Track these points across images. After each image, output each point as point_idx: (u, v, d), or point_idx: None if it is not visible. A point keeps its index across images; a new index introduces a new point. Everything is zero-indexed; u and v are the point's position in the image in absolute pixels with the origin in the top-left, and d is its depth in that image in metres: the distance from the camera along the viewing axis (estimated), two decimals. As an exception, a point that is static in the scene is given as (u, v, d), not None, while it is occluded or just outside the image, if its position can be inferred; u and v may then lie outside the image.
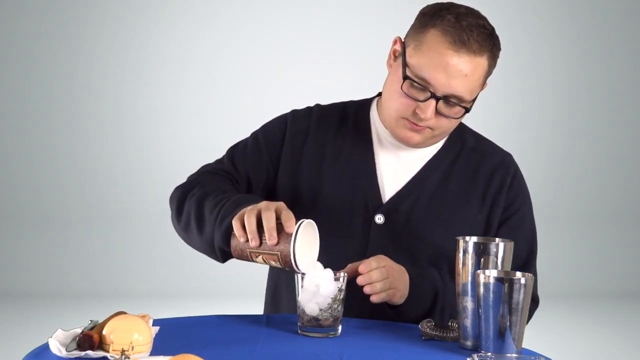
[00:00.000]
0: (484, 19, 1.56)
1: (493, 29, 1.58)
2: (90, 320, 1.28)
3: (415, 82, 1.51)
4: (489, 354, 1.25)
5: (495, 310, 1.25)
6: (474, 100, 1.55)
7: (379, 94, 1.72)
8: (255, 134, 1.74)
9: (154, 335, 1.27)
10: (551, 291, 5.10)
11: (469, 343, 1.34)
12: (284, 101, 5.71)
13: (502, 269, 1.33)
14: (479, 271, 1.29)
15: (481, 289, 1.26)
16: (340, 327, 1.39)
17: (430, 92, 1.50)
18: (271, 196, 1.67)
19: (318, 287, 1.36)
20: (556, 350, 3.25)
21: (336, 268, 1.42)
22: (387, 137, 1.65)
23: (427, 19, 1.54)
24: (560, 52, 5.91)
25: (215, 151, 6.82)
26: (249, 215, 1.37)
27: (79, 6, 5.63)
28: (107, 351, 1.19)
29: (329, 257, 1.44)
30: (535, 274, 1.61)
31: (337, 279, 1.38)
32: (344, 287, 1.38)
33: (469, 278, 1.33)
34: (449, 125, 1.57)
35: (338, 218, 1.60)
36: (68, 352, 1.18)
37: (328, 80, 5.62)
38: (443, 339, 1.38)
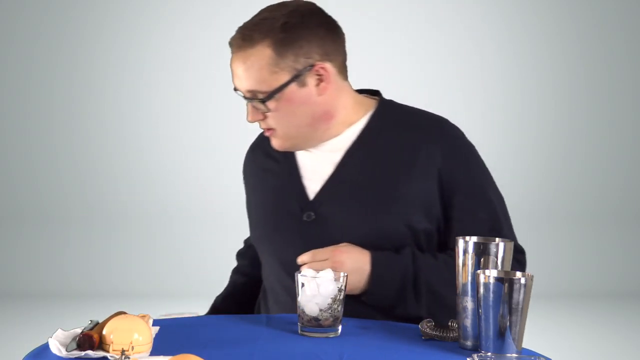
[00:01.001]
0: (270, 10, 1.61)
1: (275, 17, 1.60)
2: (90, 320, 1.28)
3: (237, 92, 1.63)
4: (489, 354, 1.25)
5: (495, 310, 1.25)
6: (282, 87, 1.56)
7: None
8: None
9: (154, 335, 1.27)
10: (551, 291, 5.11)
11: (469, 343, 1.34)
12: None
13: (502, 269, 1.33)
14: (479, 271, 1.29)
15: (481, 289, 1.26)
16: (340, 327, 1.39)
17: (242, 95, 1.61)
18: None
19: (318, 287, 1.36)
20: (556, 350, 3.25)
21: (286, 273, 1.52)
22: None
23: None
24: (560, 52, 5.91)
25: (215, 151, 6.85)
26: None
27: (79, 6, 5.63)
28: (107, 351, 1.19)
29: (278, 265, 1.61)
30: (510, 225, 1.66)
31: (337, 279, 1.38)
32: (344, 287, 1.38)
33: (469, 278, 1.33)
34: (281, 122, 1.60)
35: (276, 225, 1.67)
36: (68, 352, 1.18)
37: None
38: (443, 339, 1.38)
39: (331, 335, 1.37)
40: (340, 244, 1.55)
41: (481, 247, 1.34)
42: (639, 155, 6.01)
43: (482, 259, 1.33)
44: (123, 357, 1.17)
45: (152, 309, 4.31)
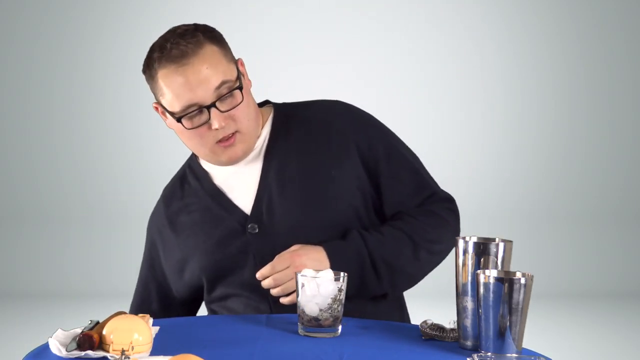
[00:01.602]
0: (177, 27, 1.62)
1: (191, 25, 1.63)
2: (90, 320, 1.28)
3: (188, 112, 1.55)
4: (489, 354, 1.25)
5: (495, 310, 1.25)
6: (239, 78, 1.59)
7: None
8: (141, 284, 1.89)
9: (154, 335, 1.27)
10: (551, 291, 5.11)
11: (469, 343, 1.34)
12: (285, 101, 5.73)
13: (502, 269, 1.33)
14: (479, 271, 1.29)
15: (481, 289, 1.26)
16: (340, 327, 1.39)
17: (202, 107, 1.55)
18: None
19: (318, 287, 1.36)
20: (556, 350, 3.25)
21: (249, 292, 1.54)
22: (222, 168, 1.68)
23: (147, 72, 1.66)
24: (560, 52, 5.91)
25: (215, 151, 6.58)
26: None
27: (79, 6, 5.63)
28: (107, 351, 1.19)
29: (239, 289, 1.60)
30: (430, 176, 1.70)
31: (337, 279, 1.38)
32: (344, 287, 1.38)
33: (469, 278, 1.33)
34: (245, 113, 1.59)
35: (222, 251, 1.64)
36: (68, 352, 1.18)
37: (328, 80, 5.62)
38: (443, 339, 1.38)
39: (331, 335, 1.37)
40: (293, 247, 1.55)
41: (481, 247, 1.34)
42: (639, 155, 6.01)
43: (482, 259, 1.33)
44: (123, 357, 1.17)
45: (152, 309, 4.31)
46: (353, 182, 1.64)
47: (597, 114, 5.98)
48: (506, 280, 1.25)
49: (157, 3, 5.66)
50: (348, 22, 5.67)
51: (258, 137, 1.66)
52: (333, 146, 1.65)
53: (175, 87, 1.55)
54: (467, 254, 1.34)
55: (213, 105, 1.55)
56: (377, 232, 1.61)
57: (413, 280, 1.65)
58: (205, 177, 1.71)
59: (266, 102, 1.76)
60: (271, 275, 1.52)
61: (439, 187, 1.72)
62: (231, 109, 1.57)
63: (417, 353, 1.31)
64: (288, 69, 5.69)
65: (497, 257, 1.33)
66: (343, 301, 1.38)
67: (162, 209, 1.76)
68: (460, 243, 1.35)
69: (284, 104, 1.75)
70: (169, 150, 5.77)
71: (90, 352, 1.18)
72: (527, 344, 1.35)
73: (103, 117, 5.69)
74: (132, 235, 5.62)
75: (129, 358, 1.17)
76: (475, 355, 1.24)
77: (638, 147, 6.01)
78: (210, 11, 5.64)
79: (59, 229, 5.56)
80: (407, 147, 1.73)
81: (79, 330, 1.26)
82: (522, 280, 1.25)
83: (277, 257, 1.53)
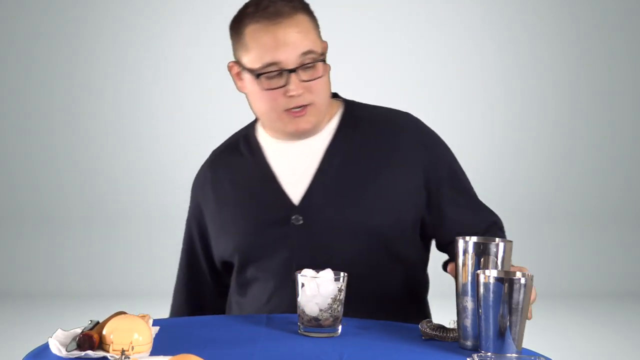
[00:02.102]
0: None
1: None
2: (90, 320, 1.28)
3: (267, 71, 1.55)
4: (489, 354, 1.25)
5: (495, 310, 1.25)
6: (324, 54, 1.60)
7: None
8: (187, 238, 1.82)
9: (154, 335, 1.27)
10: (551, 291, 5.10)
11: (469, 343, 1.34)
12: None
13: (502, 269, 1.33)
14: (479, 271, 1.29)
15: (481, 289, 1.26)
16: (340, 327, 1.39)
17: (284, 70, 1.54)
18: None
19: (318, 287, 1.36)
20: (556, 350, 3.25)
21: (275, 280, 1.51)
22: (279, 146, 1.66)
23: (235, 28, 1.64)
24: (560, 52, 5.91)
25: (215, 151, 6.56)
26: None
27: (79, 6, 5.63)
28: (107, 351, 1.19)
29: (267, 273, 1.57)
30: (480, 201, 1.70)
31: (337, 279, 1.38)
32: (344, 287, 1.38)
33: (469, 278, 1.33)
34: (324, 89, 1.59)
35: (263, 233, 1.62)
36: (68, 352, 1.18)
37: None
38: (443, 339, 1.38)
39: (331, 335, 1.37)
40: None
41: (481, 247, 1.34)
42: (639, 155, 6.01)
43: (482, 259, 1.33)
44: (123, 357, 1.17)
45: (152, 309, 4.31)
46: (410, 197, 1.62)
47: (597, 114, 5.98)
48: (506, 280, 1.25)
49: (157, 3, 5.66)
50: (348, 22, 5.67)
51: (325, 123, 1.65)
52: (398, 158, 1.63)
53: (262, 43, 1.56)
54: (467, 254, 1.34)
55: (294, 70, 1.55)
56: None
57: None
58: (258, 151, 1.68)
59: (335, 95, 1.73)
60: None
61: (491, 210, 1.72)
62: (311, 80, 1.57)
63: (417, 353, 1.31)
64: (288, 69, 5.69)
65: (497, 257, 1.33)
66: (343, 301, 1.38)
67: (208, 174, 1.75)
68: (460, 243, 1.35)
69: (354, 102, 1.73)
70: (169, 151, 5.78)
71: (90, 352, 1.18)
72: (527, 344, 1.35)
73: (103, 117, 5.69)
74: (132, 235, 5.63)
75: (129, 358, 1.17)
76: (475, 355, 1.24)
77: (638, 147, 6.00)
78: (211, 11, 5.64)
79: (59, 229, 5.55)
80: (464, 173, 1.72)
81: (79, 330, 1.26)
82: (522, 280, 1.25)
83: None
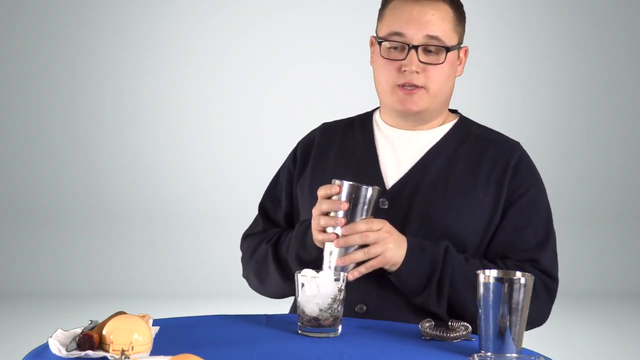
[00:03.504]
0: None
1: None
2: (90, 320, 1.28)
3: (391, 40, 1.61)
4: (489, 354, 1.25)
5: (495, 310, 1.25)
6: (457, 50, 1.65)
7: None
8: (273, 181, 1.84)
9: (154, 335, 1.27)
10: (551, 291, 5.11)
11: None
12: (284, 101, 5.73)
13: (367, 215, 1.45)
14: (478, 271, 1.29)
15: (481, 289, 1.26)
16: (340, 327, 1.39)
17: (407, 44, 1.59)
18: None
19: (318, 287, 1.36)
20: (556, 350, 3.25)
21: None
22: (390, 132, 1.71)
23: (384, 2, 1.70)
24: (560, 52, 5.91)
25: (216, 151, 6.84)
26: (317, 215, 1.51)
27: (79, 6, 5.63)
28: (107, 351, 1.19)
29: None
30: (553, 255, 1.74)
31: (337, 279, 1.38)
32: (343, 287, 1.38)
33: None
34: (439, 79, 1.62)
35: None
36: (68, 352, 1.18)
37: (328, 80, 5.62)
38: (443, 339, 1.38)
39: (331, 335, 1.37)
40: (381, 220, 1.52)
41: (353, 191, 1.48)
42: (639, 155, 6.01)
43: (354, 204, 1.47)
44: (123, 357, 1.17)
45: (152, 309, 4.31)
46: (487, 216, 1.64)
47: (597, 114, 5.98)
48: (506, 280, 1.25)
49: (157, 3, 5.66)
50: (348, 22, 5.67)
51: (438, 124, 1.70)
52: (492, 179, 1.66)
53: (397, 14, 1.62)
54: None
55: (415, 47, 1.59)
56: (463, 257, 1.59)
57: (468, 317, 1.50)
58: (369, 133, 1.73)
59: (455, 112, 1.79)
60: (362, 231, 1.48)
61: (553, 266, 1.74)
62: (429, 64, 1.60)
63: (417, 353, 1.32)
64: (288, 69, 5.69)
65: (365, 203, 1.47)
66: (343, 301, 1.38)
67: (317, 138, 1.78)
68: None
69: (471, 120, 1.78)
70: (169, 150, 5.78)
71: (90, 352, 1.18)
72: (527, 344, 1.35)
73: (103, 117, 5.69)
74: (132, 235, 5.64)
75: (129, 358, 1.17)
76: (475, 355, 1.24)
77: (638, 147, 6.01)
78: (211, 11, 5.64)
79: (59, 229, 5.56)
80: (550, 220, 1.73)
81: (79, 330, 1.26)
82: (522, 280, 1.25)
83: (370, 219, 1.49)
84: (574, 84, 5.94)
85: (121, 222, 5.60)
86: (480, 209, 1.63)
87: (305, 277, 1.38)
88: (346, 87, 5.52)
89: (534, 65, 5.87)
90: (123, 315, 1.26)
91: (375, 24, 1.72)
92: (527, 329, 1.60)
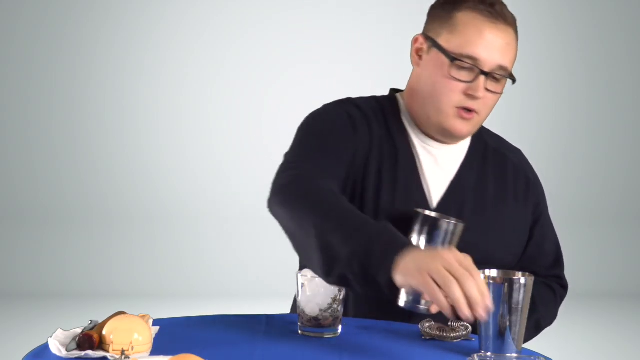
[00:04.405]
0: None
1: (513, 15, 1.60)
2: (90, 320, 1.28)
3: (464, 61, 1.50)
4: (489, 354, 1.25)
5: (495, 310, 1.25)
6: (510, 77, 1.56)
7: (393, 93, 1.69)
8: (317, 129, 1.59)
9: (154, 335, 1.27)
10: (551, 291, 5.11)
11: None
12: (285, 101, 5.73)
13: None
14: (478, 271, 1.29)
15: (481, 289, 1.26)
16: (340, 327, 1.39)
17: (478, 68, 1.50)
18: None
19: (318, 287, 1.36)
20: (556, 350, 3.25)
21: None
22: (423, 140, 1.61)
23: (449, 6, 1.55)
24: (560, 52, 5.91)
25: (216, 151, 6.83)
26: (444, 280, 1.13)
27: (79, 6, 5.64)
28: (107, 351, 1.19)
29: None
30: (563, 269, 1.76)
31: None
32: (344, 287, 1.38)
33: None
34: (491, 107, 1.58)
35: (391, 216, 1.51)
36: (68, 352, 1.18)
37: (328, 80, 5.62)
38: (443, 339, 1.38)
39: (331, 335, 1.37)
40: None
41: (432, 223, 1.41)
42: (639, 155, 6.01)
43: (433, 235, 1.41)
44: (123, 357, 1.17)
45: (152, 309, 4.31)
46: (524, 233, 1.66)
47: (597, 114, 5.98)
48: (506, 280, 1.25)
49: (157, 3, 5.66)
50: (348, 22, 5.67)
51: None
52: (519, 194, 1.66)
53: (473, 34, 1.50)
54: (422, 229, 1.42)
55: (487, 74, 1.51)
56: None
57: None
58: (406, 142, 1.61)
59: None
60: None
61: (562, 270, 1.78)
62: (490, 92, 1.54)
63: (417, 353, 1.31)
64: (288, 69, 5.69)
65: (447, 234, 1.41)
66: (343, 301, 1.38)
67: (363, 120, 1.58)
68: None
69: (486, 131, 1.75)
70: (169, 151, 5.78)
71: (90, 352, 1.18)
72: (527, 344, 1.35)
73: (103, 117, 5.69)
74: (132, 235, 5.64)
75: (129, 358, 1.17)
76: (475, 355, 1.24)
77: (638, 147, 6.01)
78: (211, 11, 5.64)
79: (59, 229, 5.56)
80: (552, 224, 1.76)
81: (79, 330, 1.26)
82: (522, 280, 1.25)
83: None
84: (574, 84, 5.94)
85: (121, 222, 5.60)
86: (515, 232, 1.64)
87: (305, 277, 1.38)
88: (346, 87, 5.51)
89: (534, 65, 5.87)
90: (123, 315, 1.26)
91: (435, 24, 1.56)
92: (538, 333, 1.64)
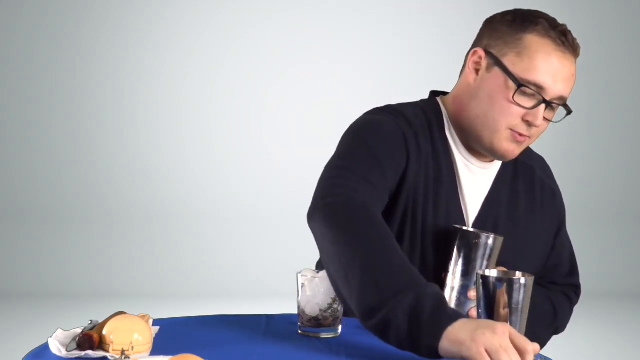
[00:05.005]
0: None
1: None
2: (90, 320, 1.28)
3: (530, 88, 1.47)
4: (489, 354, 1.25)
5: (496, 311, 1.24)
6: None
7: (433, 96, 1.66)
8: (368, 148, 1.51)
9: (154, 335, 1.27)
10: (551, 291, 5.11)
11: None
12: (284, 101, 5.73)
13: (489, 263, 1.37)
14: (479, 271, 1.29)
15: (481, 289, 1.26)
16: (340, 327, 1.39)
17: (542, 96, 1.48)
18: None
19: (318, 287, 1.36)
20: (556, 350, 3.25)
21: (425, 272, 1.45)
22: (466, 157, 1.60)
23: (517, 25, 1.51)
24: (560, 52, 5.91)
25: (216, 151, 6.83)
26: (498, 356, 1.11)
27: (79, 6, 5.64)
28: (107, 351, 1.19)
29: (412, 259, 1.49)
30: (578, 277, 1.76)
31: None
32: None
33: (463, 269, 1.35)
34: (542, 133, 1.56)
35: (436, 244, 1.53)
36: (68, 352, 1.18)
37: (328, 80, 5.62)
38: (443, 339, 1.38)
39: (331, 335, 1.37)
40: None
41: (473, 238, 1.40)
42: (639, 155, 6.01)
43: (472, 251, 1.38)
44: (123, 357, 1.17)
45: (152, 309, 4.32)
46: (547, 245, 1.68)
47: (597, 114, 5.98)
48: (506, 280, 1.25)
49: (157, 3, 5.66)
50: (348, 22, 5.67)
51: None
52: (545, 208, 1.68)
53: (542, 61, 1.47)
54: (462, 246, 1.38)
55: (549, 103, 1.49)
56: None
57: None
58: (449, 153, 1.59)
59: None
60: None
61: (578, 274, 1.78)
62: (545, 119, 1.52)
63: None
64: (288, 69, 5.69)
65: (486, 249, 1.41)
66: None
67: (413, 139, 1.55)
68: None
69: None
70: (169, 151, 5.78)
71: (90, 352, 1.18)
72: (527, 344, 1.35)
73: (103, 117, 5.69)
74: (132, 235, 5.64)
75: (129, 358, 1.17)
76: (475, 355, 1.24)
77: (638, 147, 6.01)
78: (211, 11, 5.64)
79: (59, 229, 5.56)
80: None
81: (79, 330, 1.26)
82: (522, 280, 1.25)
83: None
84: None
85: (121, 222, 5.60)
86: (543, 243, 1.67)
87: (305, 277, 1.38)
88: (346, 87, 5.52)
89: (534, 65, 5.87)
90: (123, 315, 1.26)
91: (500, 42, 1.52)
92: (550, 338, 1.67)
